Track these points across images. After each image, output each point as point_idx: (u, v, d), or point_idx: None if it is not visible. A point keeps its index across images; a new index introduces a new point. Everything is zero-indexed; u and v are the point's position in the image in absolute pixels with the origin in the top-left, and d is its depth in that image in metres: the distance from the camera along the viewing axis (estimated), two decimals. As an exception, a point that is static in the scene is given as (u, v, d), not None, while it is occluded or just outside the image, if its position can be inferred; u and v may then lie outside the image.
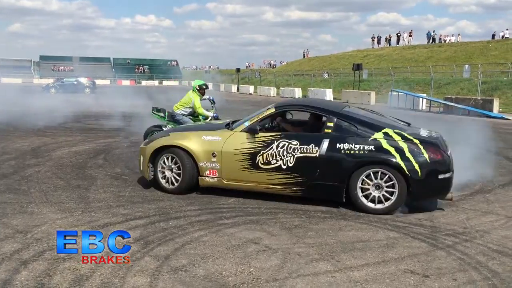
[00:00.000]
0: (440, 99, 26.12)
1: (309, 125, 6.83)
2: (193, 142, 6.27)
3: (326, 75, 49.43)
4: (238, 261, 4.07)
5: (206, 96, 9.70)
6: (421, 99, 26.78)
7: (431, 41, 50.30)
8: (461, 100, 24.56)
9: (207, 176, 6.25)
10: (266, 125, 6.50)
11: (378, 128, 5.89)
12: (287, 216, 5.44)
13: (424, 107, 26.47)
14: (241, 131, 6.22)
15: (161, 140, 6.51)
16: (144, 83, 73.22)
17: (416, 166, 5.53)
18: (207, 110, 9.48)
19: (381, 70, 44.24)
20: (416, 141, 5.71)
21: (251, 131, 6.13)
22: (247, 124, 6.27)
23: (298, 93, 38.58)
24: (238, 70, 56.69)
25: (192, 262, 4.02)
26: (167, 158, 6.36)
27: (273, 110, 6.43)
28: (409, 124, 6.75)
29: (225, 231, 4.85)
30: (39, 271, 3.76)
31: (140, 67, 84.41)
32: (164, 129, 8.82)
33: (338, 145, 5.77)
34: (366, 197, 5.68)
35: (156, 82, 74.49)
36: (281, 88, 43.01)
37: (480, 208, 6.02)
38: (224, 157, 6.13)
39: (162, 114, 9.69)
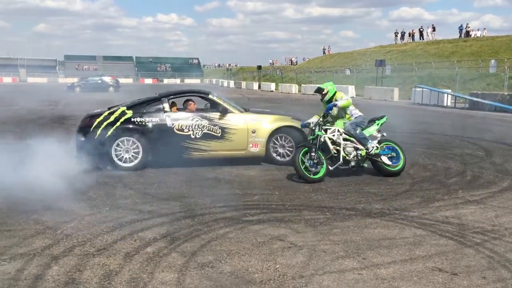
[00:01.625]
0: (465, 95, 25.65)
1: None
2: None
3: (348, 72, 49.02)
4: (264, 258, 4.08)
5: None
6: (445, 95, 26.34)
7: (464, 35, 49.12)
8: (488, 95, 24.07)
9: None
10: None
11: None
12: (311, 213, 5.43)
13: (449, 103, 26.03)
14: None
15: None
16: (166, 81, 73.98)
17: None
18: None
19: (404, 66, 43.65)
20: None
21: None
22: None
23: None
24: (259, 67, 56.64)
25: (218, 258, 4.06)
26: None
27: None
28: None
29: (250, 227, 4.88)
30: (70, 266, 3.84)
31: (162, 66, 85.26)
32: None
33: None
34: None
35: (178, 80, 75.15)
36: (302, 85, 42.86)
37: (509, 205, 5.90)
38: None
39: None
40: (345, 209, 5.64)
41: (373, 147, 7.30)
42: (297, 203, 5.85)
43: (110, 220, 5.08)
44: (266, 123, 8.24)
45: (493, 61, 35.11)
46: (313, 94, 36.91)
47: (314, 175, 6.97)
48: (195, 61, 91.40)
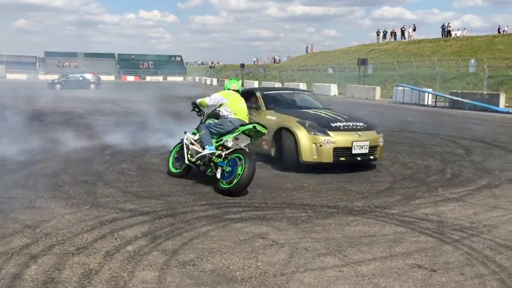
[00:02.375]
0: (446, 94, 26.01)
1: None
2: None
3: (330, 70, 49.28)
4: (246, 256, 4.08)
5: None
6: (426, 94, 26.67)
7: (446, 34, 49.68)
8: (467, 94, 24.45)
9: None
10: None
11: None
12: (293, 211, 5.45)
13: (429, 102, 26.37)
14: None
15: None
16: (148, 78, 73.42)
17: None
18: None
19: (386, 65, 44.07)
20: None
21: None
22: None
23: (303, 88, 38.50)
24: (242, 65, 56.58)
25: (200, 256, 4.04)
26: None
27: None
28: None
29: (232, 226, 4.87)
30: (49, 266, 3.79)
31: (145, 63, 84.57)
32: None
33: None
34: None
35: (160, 78, 74.62)
36: (285, 83, 42.95)
37: (487, 203, 6.01)
38: None
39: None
40: (327, 207, 5.67)
41: (206, 154, 6.45)
42: (279, 201, 5.86)
43: (91, 218, 5.02)
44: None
45: (472, 60, 35.66)
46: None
47: (176, 169, 7.18)
48: (178, 59, 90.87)
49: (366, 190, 6.53)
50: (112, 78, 69.54)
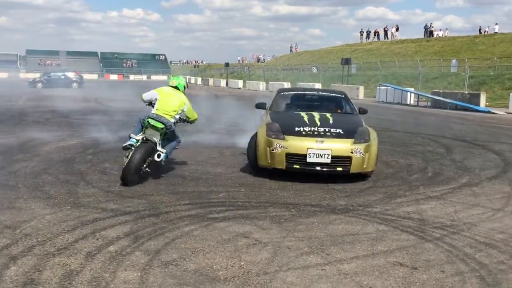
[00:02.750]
0: (428, 94, 26.32)
1: None
2: None
3: (315, 70, 49.50)
4: (229, 255, 4.08)
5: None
6: (409, 93, 26.96)
7: (428, 34, 50.22)
8: (449, 94, 24.78)
9: None
10: None
11: None
12: (276, 210, 5.46)
13: (412, 102, 26.66)
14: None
15: (373, 132, 7.47)
16: (132, 77, 72.80)
17: None
18: None
19: (369, 65, 44.44)
20: None
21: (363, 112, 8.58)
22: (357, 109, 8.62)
23: (287, 87, 38.63)
24: (227, 64, 56.53)
25: (182, 256, 4.03)
26: None
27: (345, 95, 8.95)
28: None
29: (216, 225, 4.86)
30: (29, 267, 3.73)
31: (128, 62, 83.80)
32: (158, 147, 6.69)
33: None
34: None
35: (144, 77, 74.04)
36: (270, 82, 43.01)
37: (468, 201, 6.10)
38: None
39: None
40: (310, 206, 5.69)
41: (124, 145, 6.86)
42: (263, 200, 5.86)
43: (72, 219, 4.96)
44: None
45: (454, 60, 36.17)
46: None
47: None
48: (162, 58, 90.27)
49: (349, 189, 6.57)
50: (95, 76, 68.82)
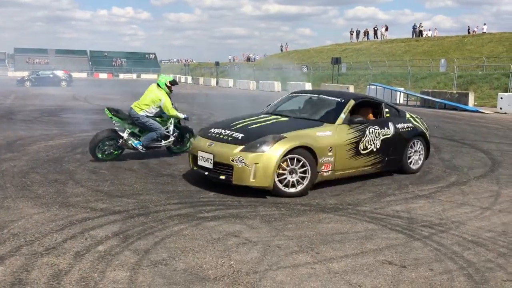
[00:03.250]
0: (417, 93, 26.49)
1: (371, 112, 7.69)
2: (313, 140, 6.23)
3: (305, 69, 49.58)
4: (219, 254, 4.07)
5: (182, 115, 8.24)
6: (398, 93, 27.12)
7: (417, 34, 50.48)
8: (438, 94, 24.98)
9: (323, 171, 6.38)
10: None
11: (402, 111, 8.00)
12: (266, 209, 5.46)
13: (401, 101, 26.81)
14: (342, 124, 6.76)
15: (283, 142, 5.94)
16: (121, 76, 72.40)
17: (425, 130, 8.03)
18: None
19: (359, 64, 44.58)
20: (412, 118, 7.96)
21: (356, 122, 6.82)
22: (343, 116, 6.84)
23: (277, 86, 38.70)
24: (217, 63, 56.38)
25: (172, 255, 4.01)
26: (290, 160, 5.97)
27: (353, 102, 7.12)
28: None
29: (205, 224, 4.85)
30: (17, 267, 3.70)
31: (118, 60, 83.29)
32: (124, 134, 7.92)
33: (397, 125, 7.43)
34: (410, 161, 7.68)
35: (134, 76, 73.67)
36: (260, 81, 43.00)
37: (456, 199, 6.15)
38: (338, 149, 6.49)
39: (122, 116, 8.02)
40: (300, 205, 5.70)
41: None
42: (253, 199, 5.86)
43: (60, 218, 4.93)
44: None
45: (443, 60, 36.43)
46: (270, 91, 37.16)
47: None
48: (152, 56, 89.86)
49: (338, 188, 6.60)
50: (84, 75, 68.38)
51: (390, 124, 7.36)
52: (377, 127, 7.11)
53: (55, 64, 61.30)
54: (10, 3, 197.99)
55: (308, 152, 6.09)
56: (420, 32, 50.57)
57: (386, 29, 55.32)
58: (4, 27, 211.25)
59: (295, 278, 3.65)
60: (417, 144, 7.76)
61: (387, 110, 7.58)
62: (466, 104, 22.88)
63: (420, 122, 7.99)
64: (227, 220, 5.01)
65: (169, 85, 8.20)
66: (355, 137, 6.72)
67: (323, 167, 6.31)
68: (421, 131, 7.83)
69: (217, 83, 50.93)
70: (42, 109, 17.70)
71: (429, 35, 50.51)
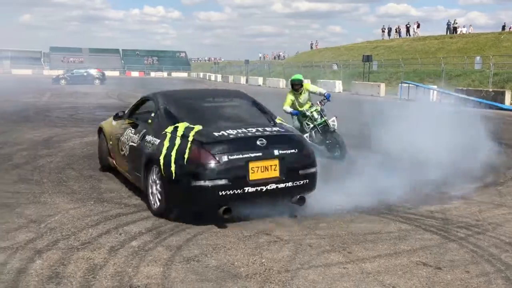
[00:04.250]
0: (451, 91, 25.88)
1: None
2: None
3: (335, 67, 49.11)
4: (250, 252, 4.08)
5: (316, 89, 8.91)
6: (431, 91, 26.55)
7: (452, 31, 49.36)
8: (472, 92, 24.31)
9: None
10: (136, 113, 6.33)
11: (174, 121, 5.21)
12: (297, 208, 5.42)
13: (434, 99, 26.23)
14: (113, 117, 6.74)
15: None
16: (153, 74, 73.36)
17: (173, 167, 4.69)
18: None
19: (391, 62, 43.84)
20: (190, 139, 4.77)
21: (116, 117, 6.56)
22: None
23: (307, 84, 38.41)
24: (247, 61, 56.50)
25: (204, 252, 4.04)
26: None
27: (139, 99, 6.49)
28: (274, 123, 5.63)
29: (236, 222, 4.86)
30: (54, 260, 3.80)
31: (149, 59, 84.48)
32: None
33: (146, 137, 5.39)
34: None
35: (165, 74, 74.55)
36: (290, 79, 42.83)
37: (493, 200, 5.98)
38: (112, 141, 6.53)
39: None
40: (332, 204, 5.63)
41: None
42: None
43: (95, 214, 5.03)
44: None
45: (478, 57, 35.43)
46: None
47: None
48: (182, 55, 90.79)
49: (369, 187, 6.48)
50: (116, 73, 69.51)
51: (141, 132, 5.67)
52: (132, 130, 5.95)
53: (89, 63, 62.69)
54: (45, 3, 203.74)
55: None
56: (455, 29, 49.34)
57: (418, 26, 54.21)
58: (40, 26, 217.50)
59: (327, 277, 3.62)
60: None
61: (153, 114, 5.74)
62: (503, 102, 22.20)
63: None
64: (258, 218, 5.00)
65: (291, 84, 8.87)
66: (117, 133, 6.41)
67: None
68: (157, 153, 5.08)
69: (246, 81, 50.99)
70: (76, 107, 18.12)
71: (464, 31, 49.28)
